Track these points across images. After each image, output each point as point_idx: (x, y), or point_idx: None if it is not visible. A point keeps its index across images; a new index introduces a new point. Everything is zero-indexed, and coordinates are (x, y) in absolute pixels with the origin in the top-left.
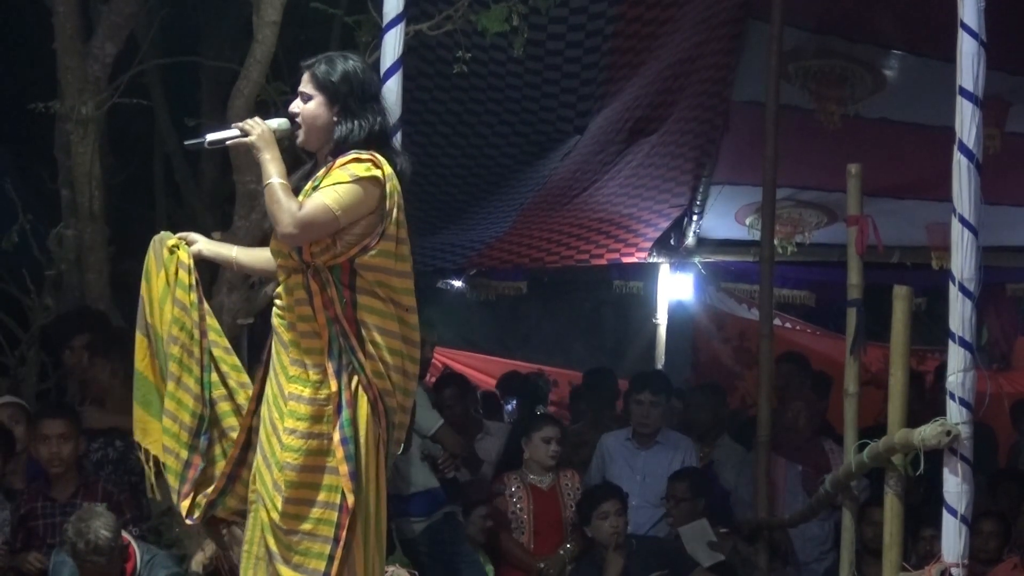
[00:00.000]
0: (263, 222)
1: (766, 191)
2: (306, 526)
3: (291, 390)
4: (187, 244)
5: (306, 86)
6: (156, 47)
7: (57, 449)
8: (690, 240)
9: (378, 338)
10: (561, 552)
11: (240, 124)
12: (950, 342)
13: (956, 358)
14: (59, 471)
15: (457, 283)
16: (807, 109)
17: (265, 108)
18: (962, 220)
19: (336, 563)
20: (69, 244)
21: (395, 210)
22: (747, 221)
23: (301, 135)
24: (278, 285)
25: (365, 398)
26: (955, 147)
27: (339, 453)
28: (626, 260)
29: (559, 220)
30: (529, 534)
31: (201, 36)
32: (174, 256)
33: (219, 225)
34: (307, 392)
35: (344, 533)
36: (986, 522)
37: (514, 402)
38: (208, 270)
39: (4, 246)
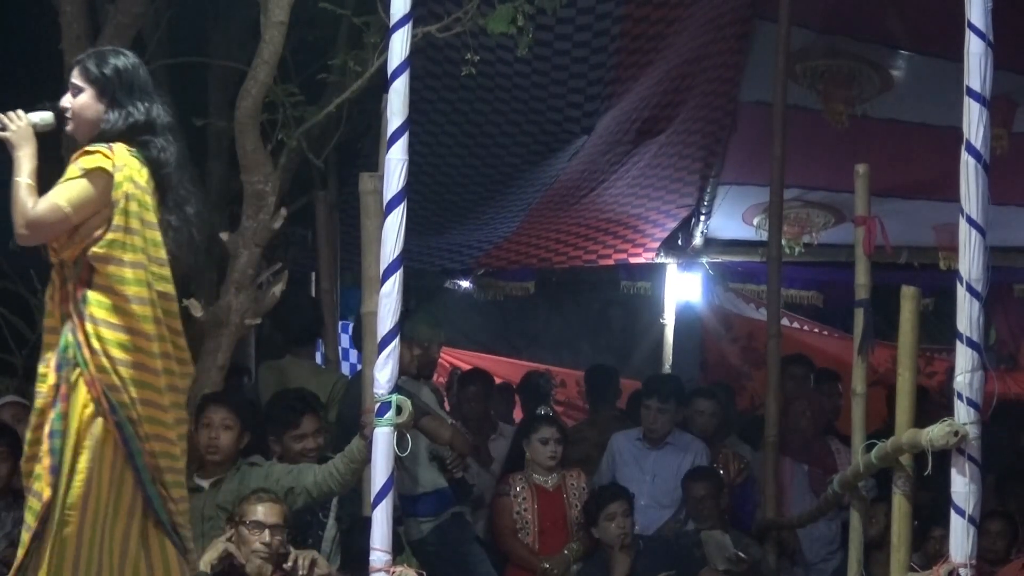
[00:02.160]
0: (271, 222)
1: (774, 191)
2: (28, 516)
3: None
4: None
5: (77, 79)
6: (163, 47)
7: None
8: (698, 240)
9: (105, 333)
10: (565, 552)
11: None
12: (957, 342)
13: (964, 358)
14: None
15: (465, 283)
16: (814, 109)
17: (273, 109)
18: (970, 220)
19: (25, 552)
20: None
21: (124, 200)
22: (754, 221)
23: (71, 127)
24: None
25: (84, 392)
26: (963, 147)
27: (44, 445)
28: (633, 260)
29: (567, 220)
30: (534, 534)
31: (208, 37)
32: None
33: (227, 226)
34: (38, 386)
35: (37, 524)
36: (993, 522)
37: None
38: (216, 269)
39: (12, 247)
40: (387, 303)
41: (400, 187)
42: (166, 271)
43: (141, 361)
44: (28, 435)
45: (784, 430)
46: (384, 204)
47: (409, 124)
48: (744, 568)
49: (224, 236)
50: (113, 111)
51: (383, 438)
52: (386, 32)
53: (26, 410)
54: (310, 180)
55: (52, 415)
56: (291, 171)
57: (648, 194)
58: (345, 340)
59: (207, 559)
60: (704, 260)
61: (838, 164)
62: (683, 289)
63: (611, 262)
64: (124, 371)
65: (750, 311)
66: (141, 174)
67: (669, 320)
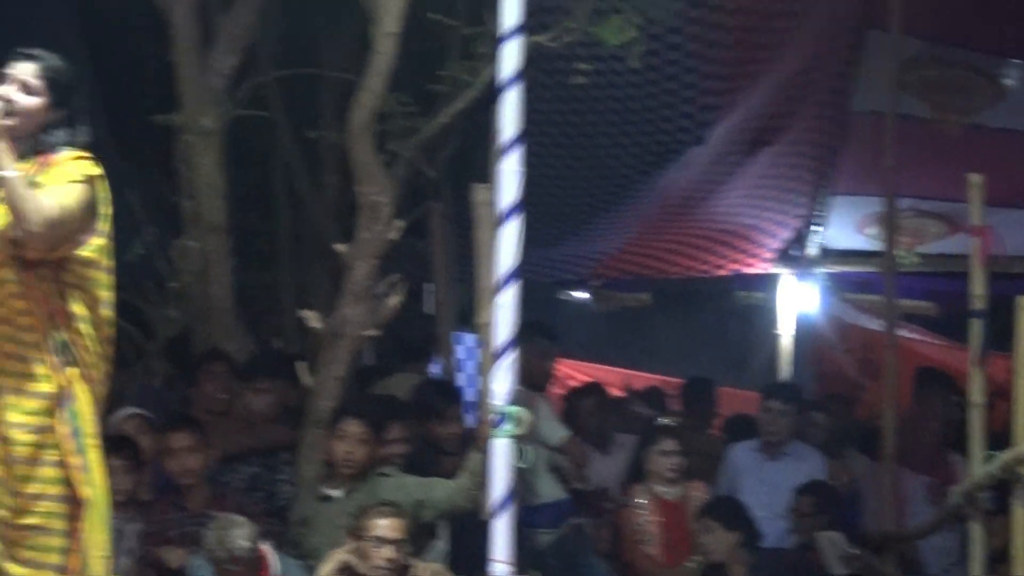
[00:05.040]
0: (387, 233)
1: (887, 201)
2: (33, 520)
3: (8, 384)
4: None
5: (33, 78)
6: (275, 59)
7: (185, 462)
8: (812, 250)
9: (85, 328)
10: (689, 565)
11: None
12: None
13: None
14: (189, 482)
15: (580, 294)
16: (927, 119)
17: (385, 120)
18: None
19: (71, 555)
20: (192, 256)
21: (104, 206)
22: (869, 231)
23: (10, 123)
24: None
25: (85, 389)
26: None
27: (68, 446)
28: (748, 271)
29: (680, 231)
30: (657, 546)
31: (319, 48)
32: None
33: (340, 237)
34: (31, 386)
35: (77, 525)
36: None
37: None
38: (332, 280)
39: (128, 258)
40: (503, 314)
41: (514, 198)
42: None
43: (103, 361)
44: (24, 437)
45: (906, 442)
46: (498, 215)
47: (522, 135)
48: (859, 567)
49: (340, 248)
50: (72, 123)
51: (501, 449)
52: (497, 42)
53: (147, 422)
54: (424, 191)
55: (66, 413)
56: (405, 182)
57: (762, 204)
58: (461, 352)
59: (324, 571)
60: (819, 270)
61: (951, 174)
62: (799, 300)
63: (726, 272)
64: (102, 364)
65: (866, 321)
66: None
67: (784, 331)
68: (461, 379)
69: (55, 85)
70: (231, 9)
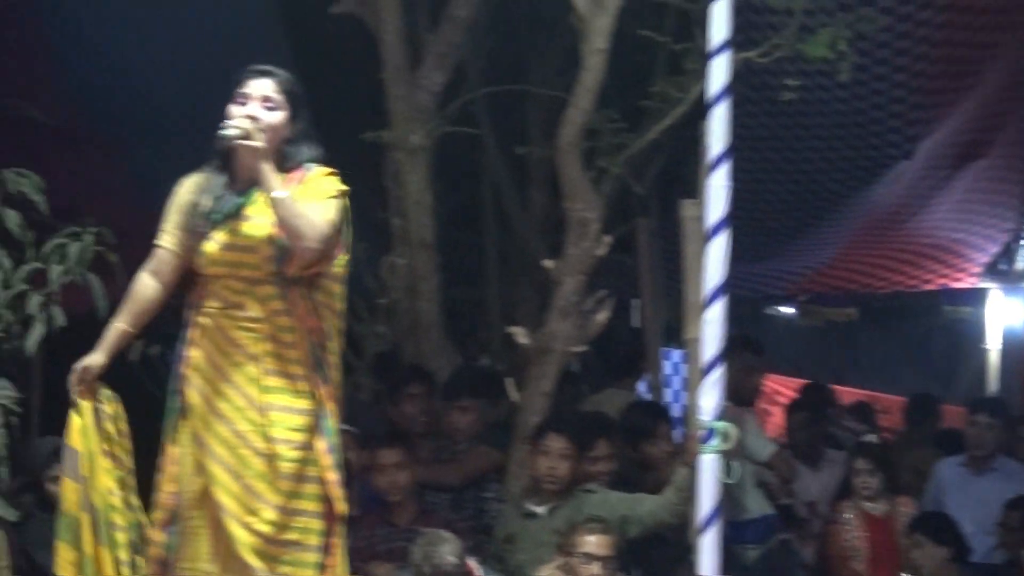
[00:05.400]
0: (594, 249)
1: None
2: (292, 536)
3: (270, 400)
4: (91, 376)
5: (274, 93)
6: (483, 76)
7: (394, 478)
8: (1020, 265)
9: (332, 345)
10: None
11: (244, 125)
12: None
13: None
14: (397, 498)
15: (787, 309)
16: None
17: (593, 136)
18: None
19: (326, 571)
20: (400, 272)
21: (347, 222)
22: None
23: (260, 142)
24: (270, 300)
25: (333, 406)
26: None
27: (326, 462)
28: (955, 285)
29: (887, 245)
30: (865, 562)
31: (527, 65)
32: (103, 409)
33: (548, 253)
34: (296, 403)
35: (332, 540)
36: None
37: None
38: (539, 296)
39: None
40: (710, 330)
41: (722, 213)
42: None
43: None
44: (291, 453)
45: None
46: (706, 230)
47: (730, 151)
48: None
49: (547, 264)
50: (309, 138)
51: (709, 465)
52: (705, 58)
53: (353, 438)
54: (632, 207)
55: (324, 429)
56: (613, 198)
57: (970, 218)
58: (668, 367)
59: None
60: None
61: None
62: (1006, 314)
63: (933, 286)
64: (339, 382)
65: None
66: None
67: (992, 345)
68: (668, 395)
69: (293, 98)
70: (439, 27)
